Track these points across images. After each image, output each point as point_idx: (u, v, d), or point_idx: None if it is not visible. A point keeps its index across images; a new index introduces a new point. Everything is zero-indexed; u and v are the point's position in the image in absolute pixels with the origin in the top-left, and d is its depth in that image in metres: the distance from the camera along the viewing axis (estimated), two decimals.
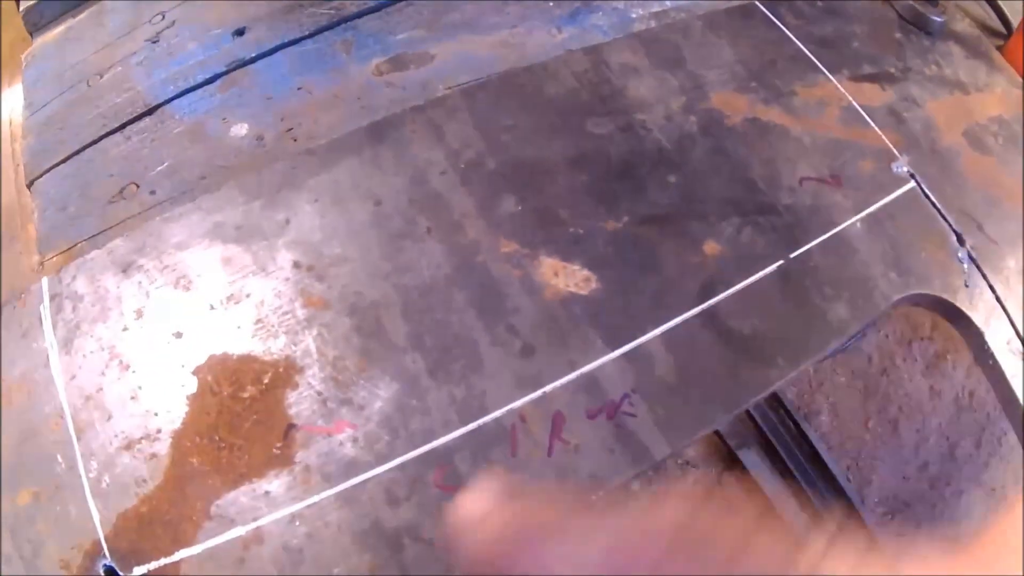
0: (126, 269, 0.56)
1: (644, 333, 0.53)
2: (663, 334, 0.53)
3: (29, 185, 0.63)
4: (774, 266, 0.57)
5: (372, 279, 0.53)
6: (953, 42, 0.75)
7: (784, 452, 1.13)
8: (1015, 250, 0.67)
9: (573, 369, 0.51)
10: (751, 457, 1.15)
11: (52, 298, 0.56)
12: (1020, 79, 0.75)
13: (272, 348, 0.52)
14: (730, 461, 1.14)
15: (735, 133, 0.62)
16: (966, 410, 1.13)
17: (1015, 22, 0.77)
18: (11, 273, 0.64)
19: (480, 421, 0.49)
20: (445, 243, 0.54)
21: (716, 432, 1.18)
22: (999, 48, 0.76)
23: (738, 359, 0.54)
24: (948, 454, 1.16)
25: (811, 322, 0.57)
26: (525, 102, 0.60)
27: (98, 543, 0.50)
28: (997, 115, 0.73)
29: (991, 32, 0.79)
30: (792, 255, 0.58)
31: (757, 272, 0.57)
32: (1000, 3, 0.77)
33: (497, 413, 0.50)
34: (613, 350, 0.52)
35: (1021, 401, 0.63)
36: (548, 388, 0.50)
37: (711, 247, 0.57)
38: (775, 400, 1.17)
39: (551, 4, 0.69)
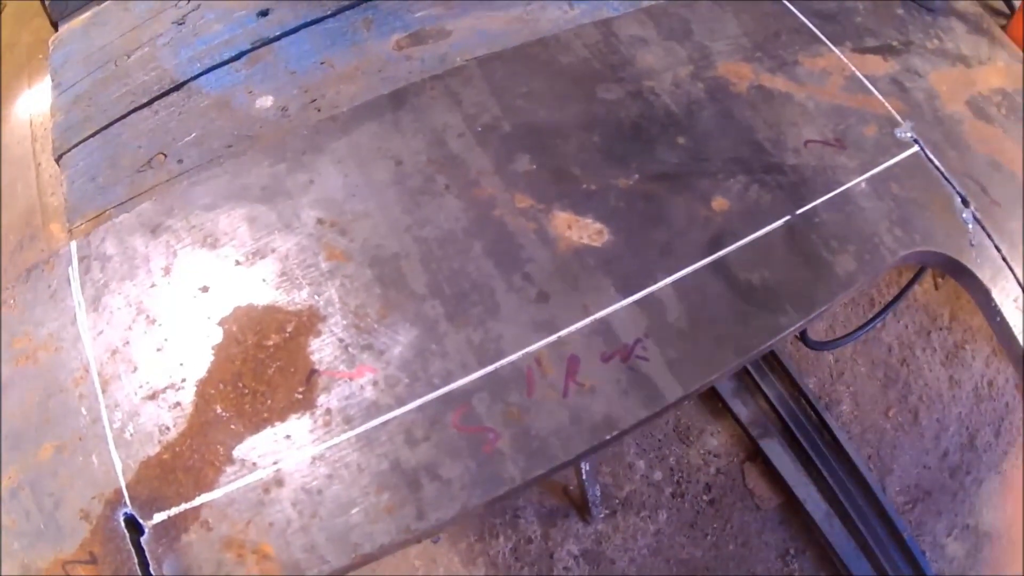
0: (154, 230, 0.60)
1: (655, 282, 0.56)
2: (674, 282, 0.56)
3: (58, 159, 0.67)
4: (781, 221, 0.61)
5: (392, 232, 0.57)
6: (955, 18, 0.80)
7: (805, 441, 1.15)
8: (1018, 213, 0.70)
9: (587, 315, 0.54)
10: (773, 446, 1.17)
11: (81, 260, 0.60)
12: (1021, 54, 0.80)
13: (296, 299, 0.56)
14: (752, 451, 1.16)
15: (741, 99, 0.66)
16: (985, 399, 1.15)
17: (1017, 2, 0.82)
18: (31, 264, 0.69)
19: (497, 364, 0.53)
20: (462, 199, 0.58)
21: (738, 421, 1.20)
22: (1002, 27, 0.81)
23: (748, 307, 0.57)
24: (968, 443, 1.17)
25: (818, 273, 0.60)
26: (539, 71, 0.65)
27: (119, 492, 0.52)
28: (999, 87, 0.77)
29: (994, 12, 0.84)
30: (798, 211, 0.62)
31: (765, 227, 0.60)
32: None
33: (513, 356, 0.53)
34: (625, 297, 0.55)
35: None
36: (563, 332, 0.54)
37: (719, 203, 0.61)
38: (796, 390, 1.20)
39: None
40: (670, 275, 0.57)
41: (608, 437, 0.52)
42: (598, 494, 1.16)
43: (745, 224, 0.60)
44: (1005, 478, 1.06)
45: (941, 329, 1.16)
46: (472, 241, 0.56)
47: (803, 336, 1.01)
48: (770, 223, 0.61)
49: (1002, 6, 0.83)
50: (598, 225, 0.58)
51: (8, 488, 0.56)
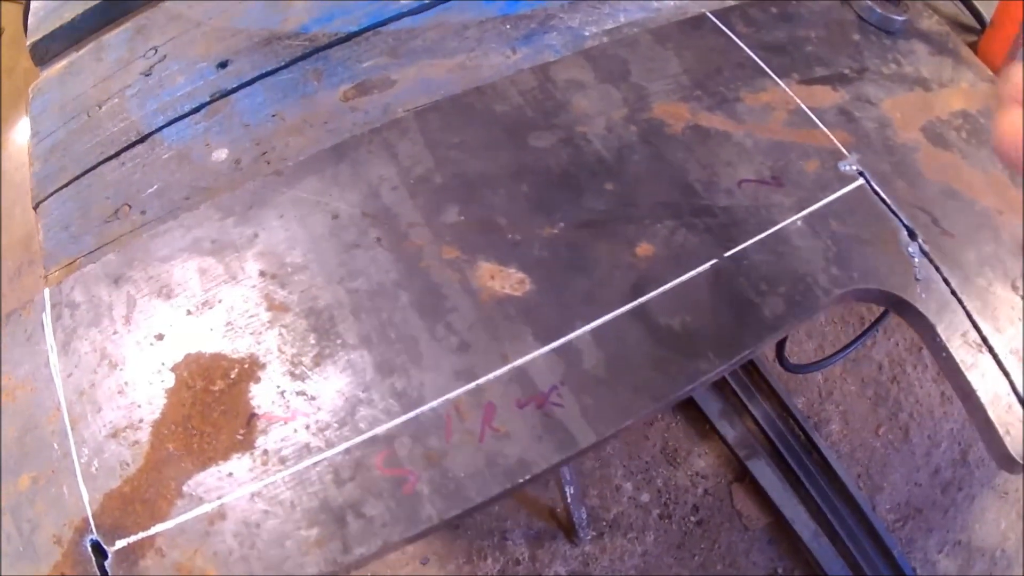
0: (117, 280, 0.69)
1: (574, 330, 0.62)
2: (592, 330, 0.62)
3: (36, 207, 0.77)
4: (707, 264, 0.66)
5: (327, 284, 0.65)
6: (917, 40, 0.82)
7: (793, 461, 1.20)
8: (975, 242, 0.73)
9: (505, 363, 0.61)
10: (761, 467, 1.21)
11: (53, 306, 0.69)
12: (989, 73, 0.82)
13: (239, 347, 0.64)
14: (740, 471, 1.20)
15: (675, 140, 0.71)
16: None
17: (988, 17, 0.83)
18: (30, 289, 0.78)
19: (418, 410, 0.60)
20: (392, 251, 0.65)
21: (725, 442, 1.25)
22: (972, 44, 0.83)
23: (667, 353, 0.62)
24: (960, 459, 1.19)
25: (744, 317, 0.65)
26: (473, 120, 0.71)
27: (87, 520, 0.62)
28: (960, 110, 0.79)
29: (964, 28, 0.86)
30: (726, 254, 0.67)
31: (689, 271, 0.65)
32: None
33: (434, 403, 0.60)
34: (543, 345, 0.61)
35: (978, 392, 0.68)
36: (481, 380, 0.60)
37: (644, 248, 0.66)
38: (784, 410, 1.24)
39: (508, 26, 0.80)
40: (589, 323, 0.62)
41: (521, 480, 0.58)
42: (585, 516, 1.22)
43: (669, 269, 0.65)
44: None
45: None
46: (400, 292, 0.63)
47: (782, 359, 1.05)
48: (695, 267, 0.66)
49: (972, 22, 0.85)
50: (520, 275, 0.64)
51: None
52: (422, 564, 1.21)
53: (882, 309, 1.13)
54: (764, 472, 1.20)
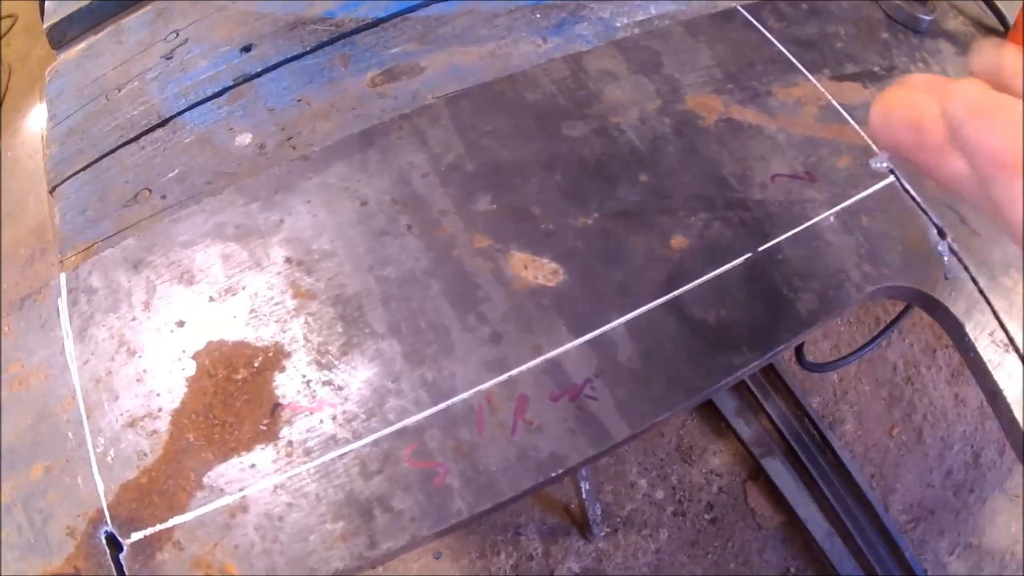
0: (136, 265, 0.66)
1: (608, 321, 0.60)
2: (627, 322, 0.60)
3: (52, 191, 0.74)
4: (741, 258, 0.64)
5: (356, 272, 0.62)
6: (944, 40, 0.81)
7: (808, 461, 1.18)
8: (1001, 242, 0.71)
9: (539, 354, 0.58)
10: (775, 465, 1.19)
11: (69, 292, 0.66)
12: None
13: (263, 335, 0.61)
14: (754, 470, 1.19)
15: (708, 133, 0.69)
16: (990, 417, 1.15)
17: (1012, 19, 0.82)
18: (43, 277, 0.76)
19: (449, 402, 0.57)
20: (423, 239, 0.62)
21: (740, 440, 1.23)
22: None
23: (702, 346, 0.60)
24: (972, 461, 1.18)
25: (778, 312, 0.62)
26: (505, 108, 0.69)
27: (101, 511, 0.59)
28: None
29: (987, 30, 0.84)
30: (760, 248, 0.65)
31: (724, 264, 0.63)
32: (996, 1, 0.82)
33: (465, 394, 0.57)
34: (577, 337, 0.59)
35: (1005, 392, 0.67)
36: (514, 372, 0.58)
37: (679, 241, 0.64)
38: (799, 409, 1.22)
39: (538, 15, 0.78)
40: (623, 315, 0.60)
41: (554, 475, 0.56)
42: (599, 512, 1.20)
43: (704, 262, 0.63)
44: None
45: (947, 347, 1.17)
46: (430, 281, 0.61)
47: (800, 358, 1.03)
48: (730, 261, 0.64)
49: (996, 24, 0.83)
50: (554, 265, 0.61)
51: (4, 504, 0.63)
52: (435, 559, 1.18)
53: (898, 310, 1.12)
54: (778, 471, 1.18)
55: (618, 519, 1.19)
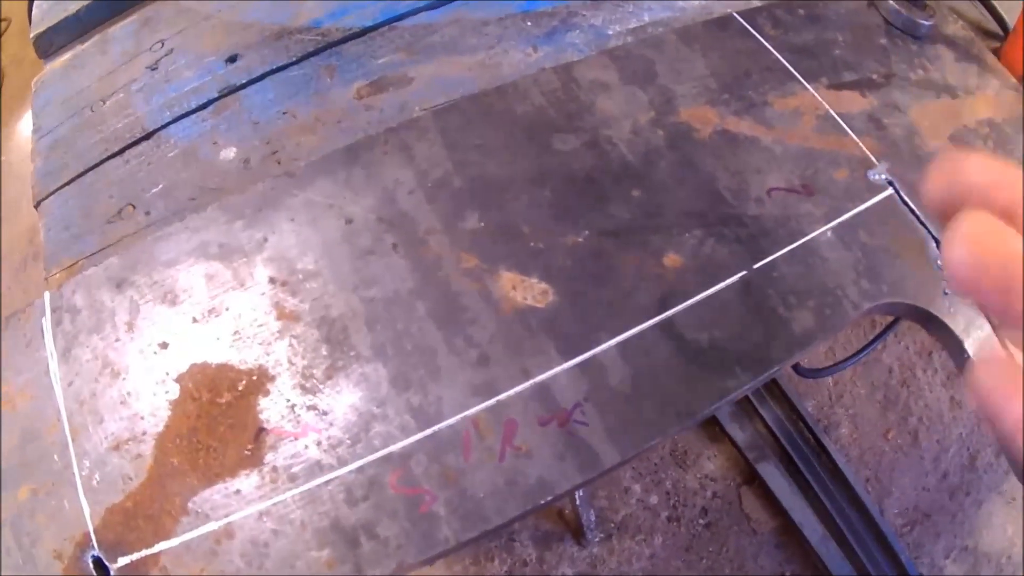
0: (120, 285, 0.64)
1: (599, 344, 0.58)
2: (618, 344, 0.58)
3: (37, 205, 0.72)
4: (736, 276, 0.62)
5: (340, 292, 0.60)
6: (943, 45, 0.78)
7: (803, 465, 1.16)
8: None
9: (527, 378, 0.57)
10: (770, 470, 1.18)
11: (53, 311, 0.65)
12: (1014, 81, 0.77)
13: (247, 358, 0.60)
14: (749, 474, 1.17)
15: (703, 146, 0.67)
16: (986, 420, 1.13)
17: (1011, 23, 0.79)
18: (36, 282, 0.74)
19: (435, 427, 0.55)
20: (409, 258, 0.60)
21: (734, 445, 1.21)
22: (995, 50, 0.79)
23: (695, 369, 0.58)
24: (968, 464, 1.16)
25: (773, 332, 0.60)
26: (493, 121, 0.66)
27: (88, 535, 0.57)
28: (987, 118, 0.75)
29: (987, 34, 0.81)
30: (756, 265, 0.62)
31: (719, 283, 0.61)
32: (996, 5, 0.79)
33: (452, 420, 0.55)
34: (567, 360, 0.57)
35: None
36: (502, 396, 0.56)
37: (672, 259, 0.62)
38: (795, 413, 1.20)
39: (528, 24, 0.75)
40: (615, 337, 0.58)
41: (543, 501, 0.54)
42: (593, 518, 1.19)
43: (698, 281, 0.61)
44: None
45: (943, 350, 1.14)
46: (417, 302, 0.59)
47: (795, 363, 1.01)
48: (725, 279, 0.62)
49: (995, 27, 0.81)
50: (543, 285, 0.59)
51: None
52: (428, 565, 1.17)
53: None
54: (773, 475, 1.16)
55: (612, 524, 1.18)
